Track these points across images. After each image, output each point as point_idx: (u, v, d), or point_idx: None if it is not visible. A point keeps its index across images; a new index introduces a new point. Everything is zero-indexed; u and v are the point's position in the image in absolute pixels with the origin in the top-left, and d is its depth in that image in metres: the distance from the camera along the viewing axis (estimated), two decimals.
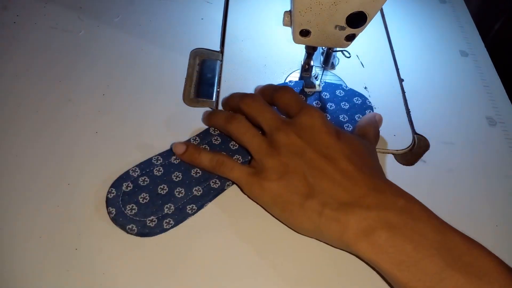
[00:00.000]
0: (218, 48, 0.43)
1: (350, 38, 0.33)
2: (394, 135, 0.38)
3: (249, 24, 0.46)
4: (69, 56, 0.40)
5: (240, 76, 0.41)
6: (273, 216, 0.31)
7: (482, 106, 0.42)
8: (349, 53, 0.40)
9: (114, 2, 0.45)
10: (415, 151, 0.38)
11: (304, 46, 0.37)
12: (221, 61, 0.42)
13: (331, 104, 0.39)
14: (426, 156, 0.37)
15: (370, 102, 0.39)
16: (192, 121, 0.37)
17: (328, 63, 0.41)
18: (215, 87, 0.40)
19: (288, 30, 0.35)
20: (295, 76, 0.41)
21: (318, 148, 0.30)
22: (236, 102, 0.34)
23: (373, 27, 0.48)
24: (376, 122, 0.36)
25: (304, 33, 0.33)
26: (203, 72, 0.41)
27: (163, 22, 0.44)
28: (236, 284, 0.29)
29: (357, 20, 0.31)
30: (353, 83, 0.41)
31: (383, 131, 0.38)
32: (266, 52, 0.43)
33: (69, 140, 0.34)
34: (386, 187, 0.29)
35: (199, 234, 0.30)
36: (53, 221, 0.30)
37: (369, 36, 0.46)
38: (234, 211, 0.32)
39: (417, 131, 0.39)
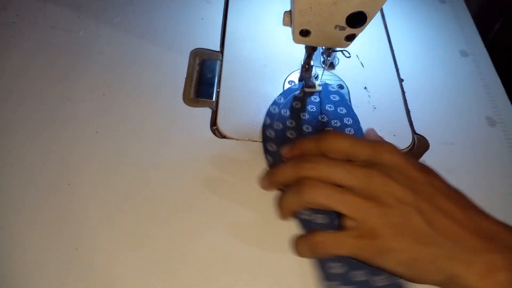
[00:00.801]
0: (218, 48, 0.43)
1: (350, 38, 0.33)
2: (394, 135, 0.38)
3: (249, 24, 0.46)
4: (69, 56, 0.40)
5: (240, 76, 0.41)
6: (394, 274, 0.28)
7: (481, 106, 0.42)
8: (349, 53, 0.40)
9: (114, 2, 0.45)
10: (415, 151, 0.38)
11: (304, 46, 0.37)
12: (221, 61, 0.42)
13: (329, 105, 0.39)
14: (426, 156, 0.38)
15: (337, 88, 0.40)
16: (192, 120, 0.37)
17: (327, 63, 0.41)
18: (215, 87, 0.40)
19: (288, 30, 0.35)
20: (295, 76, 0.41)
21: (417, 189, 0.28)
22: (291, 174, 0.30)
23: (373, 27, 0.47)
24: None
25: (304, 33, 0.33)
26: (203, 72, 0.41)
27: (163, 22, 0.44)
28: (236, 284, 0.29)
29: (357, 20, 0.31)
30: (353, 83, 0.41)
31: (383, 131, 0.38)
32: (266, 52, 0.43)
33: (69, 139, 0.34)
34: (494, 225, 0.28)
35: (199, 234, 0.30)
36: (54, 221, 0.30)
37: (369, 36, 0.46)
38: (233, 210, 0.32)
39: (417, 131, 0.39)
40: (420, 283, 0.28)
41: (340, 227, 0.29)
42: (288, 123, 0.37)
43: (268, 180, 0.32)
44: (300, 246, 0.30)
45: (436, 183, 0.29)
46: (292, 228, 0.31)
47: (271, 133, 0.36)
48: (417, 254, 0.26)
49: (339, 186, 0.28)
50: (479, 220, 0.28)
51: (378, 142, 0.30)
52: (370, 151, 0.29)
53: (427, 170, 0.29)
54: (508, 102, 0.43)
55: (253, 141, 0.36)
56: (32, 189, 0.31)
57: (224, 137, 0.36)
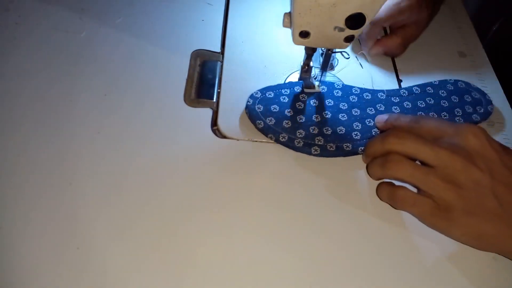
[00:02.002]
0: (218, 49, 0.43)
1: (349, 39, 0.33)
2: None
3: (249, 25, 0.46)
4: (70, 57, 0.40)
5: (240, 77, 0.41)
6: (457, 241, 0.31)
7: None
8: (348, 54, 0.41)
9: (115, 4, 0.45)
10: None
11: (303, 47, 0.37)
12: (222, 62, 0.42)
13: (353, 97, 0.40)
14: None
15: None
16: (193, 121, 0.37)
17: (327, 64, 0.41)
18: (216, 88, 0.40)
19: (288, 31, 0.35)
20: (294, 77, 0.42)
21: (495, 172, 0.30)
22: (380, 147, 0.32)
23: None
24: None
25: (304, 34, 0.33)
26: (204, 73, 0.41)
27: (164, 23, 0.45)
28: (236, 284, 0.29)
29: (356, 21, 0.31)
30: (352, 84, 0.41)
31: None
32: (266, 53, 0.43)
33: (71, 140, 0.34)
34: None
35: (199, 233, 0.31)
36: (55, 220, 0.30)
37: None
38: (234, 210, 0.32)
39: None
40: (480, 250, 0.31)
41: (418, 191, 0.32)
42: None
43: (364, 154, 0.35)
44: (381, 191, 0.33)
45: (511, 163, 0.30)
46: (293, 228, 0.32)
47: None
48: (483, 231, 0.29)
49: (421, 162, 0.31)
50: None
51: (463, 124, 0.32)
52: (455, 132, 0.31)
53: (507, 152, 0.31)
54: (507, 102, 0.43)
55: (254, 141, 0.36)
56: (34, 189, 0.31)
57: (224, 137, 0.37)
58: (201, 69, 0.42)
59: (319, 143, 0.36)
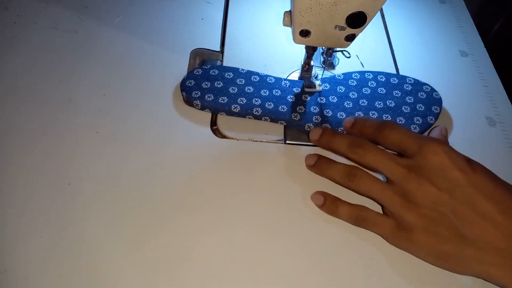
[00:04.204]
0: (218, 48, 0.43)
1: (350, 38, 0.33)
2: None
3: (249, 24, 0.46)
4: (69, 56, 0.40)
5: None
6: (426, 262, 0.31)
7: (481, 106, 0.42)
8: (349, 53, 0.40)
9: (114, 3, 0.45)
10: None
11: (304, 46, 0.37)
12: (221, 61, 0.42)
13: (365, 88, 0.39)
14: None
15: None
16: (192, 121, 0.37)
17: (327, 63, 0.41)
18: None
19: (288, 30, 0.35)
20: (295, 76, 0.41)
21: (456, 191, 0.28)
22: (344, 150, 0.33)
23: (373, 27, 0.48)
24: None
25: (304, 33, 0.33)
26: None
27: (164, 22, 0.44)
28: (238, 285, 0.29)
29: (357, 20, 0.31)
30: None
31: None
32: (266, 52, 0.43)
33: (70, 140, 0.34)
34: None
35: (199, 234, 0.31)
36: (54, 221, 0.30)
37: (369, 36, 0.46)
38: (234, 210, 0.32)
39: None
40: (455, 273, 0.30)
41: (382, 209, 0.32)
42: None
43: (324, 139, 0.34)
44: (342, 211, 0.32)
45: (479, 183, 0.28)
46: (294, 227, 0.32)
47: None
48: (445, 251, 0.29)
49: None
50: None
51: (426, 141, 0.30)
52: (417, 149, 0.30)
53: (473, 169, 0.29)
54: (508, 102, 0.43)
55: (253, 141, 0.36)
56: (33, 189, 0.31)
57: (224, 137, 0.36)
58: None
59: (256, 113, 0.37)
